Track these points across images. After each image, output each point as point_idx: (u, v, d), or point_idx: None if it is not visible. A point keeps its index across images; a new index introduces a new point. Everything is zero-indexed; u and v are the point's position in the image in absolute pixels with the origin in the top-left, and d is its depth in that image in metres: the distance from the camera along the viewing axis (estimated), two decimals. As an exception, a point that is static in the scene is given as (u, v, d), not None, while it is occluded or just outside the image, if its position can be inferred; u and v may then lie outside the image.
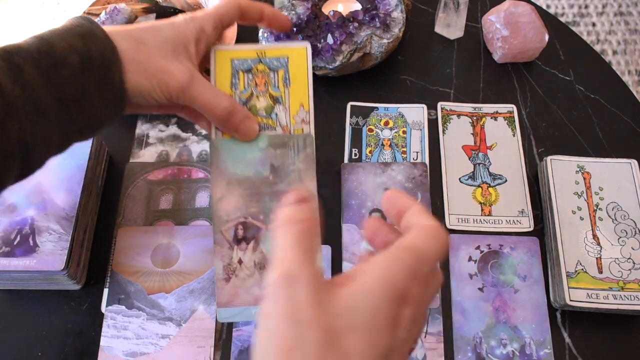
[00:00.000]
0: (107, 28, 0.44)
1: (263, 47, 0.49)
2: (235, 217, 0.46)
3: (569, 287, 0.59)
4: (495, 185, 0.69)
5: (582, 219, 0.63)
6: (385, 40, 0.74)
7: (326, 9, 0.78)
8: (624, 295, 0.58)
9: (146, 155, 0.71)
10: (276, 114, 0.48)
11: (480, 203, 0.68)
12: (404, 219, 0.35)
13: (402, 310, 0.30)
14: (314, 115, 0.48)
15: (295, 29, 0.75)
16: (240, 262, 0.45)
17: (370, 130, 0.74)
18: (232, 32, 0.79)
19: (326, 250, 0.64)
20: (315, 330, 0.27)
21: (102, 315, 0.60)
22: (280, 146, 0.46)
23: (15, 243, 0.59)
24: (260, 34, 0.76)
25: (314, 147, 0.46)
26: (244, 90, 0.48)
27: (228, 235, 0.46)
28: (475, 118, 0.75)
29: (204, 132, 0.73)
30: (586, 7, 1.79)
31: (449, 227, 0.66)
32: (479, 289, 0.62)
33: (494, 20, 0.78)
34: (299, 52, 0.49)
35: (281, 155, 0.46)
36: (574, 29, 1.11)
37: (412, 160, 0.71)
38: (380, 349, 0.29)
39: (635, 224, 0.63)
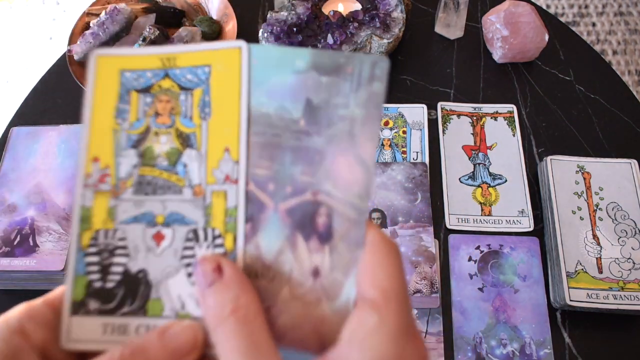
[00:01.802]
0: None
1: (172, 50, 0.29)
2: None
3: (569, 287, 0.59)
4: (495, 185, 0.69)
5: (582, 219, 0.63)
6: (385, 40, 0.74)
7: (326, 9, 0.78)
8: (624, 295, 0.58)
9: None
10: (184, 165, 0.28)
11: (480, 203, 0.68)
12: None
13: (407, 345, 0.24)
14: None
15: (295, 29, 0.75)
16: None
17: (370, 130, 0.73)
18: (232, 27, 0.78)
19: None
20: None
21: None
22: (331, 71, 0.27)
23: (15, 243, 0.59)
24: (260, 33, 0.76)
25: (385, 81, 0.27)
26: (136, 122, 0.29)
27: None
28: (475, 118, 0.75)
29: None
30: (586, 7, 1.79)
31: (449, 227, 0.66)
32: (479, 289, 0.62)
33: (494, 20, 0.78)
34: (229, 58, 0.28)
35: (328, 88, 0.27)
36: (574, 29, 1.11)
37: (412, 160, 0.71)
38: None
39: (635, 224, 0.63)
